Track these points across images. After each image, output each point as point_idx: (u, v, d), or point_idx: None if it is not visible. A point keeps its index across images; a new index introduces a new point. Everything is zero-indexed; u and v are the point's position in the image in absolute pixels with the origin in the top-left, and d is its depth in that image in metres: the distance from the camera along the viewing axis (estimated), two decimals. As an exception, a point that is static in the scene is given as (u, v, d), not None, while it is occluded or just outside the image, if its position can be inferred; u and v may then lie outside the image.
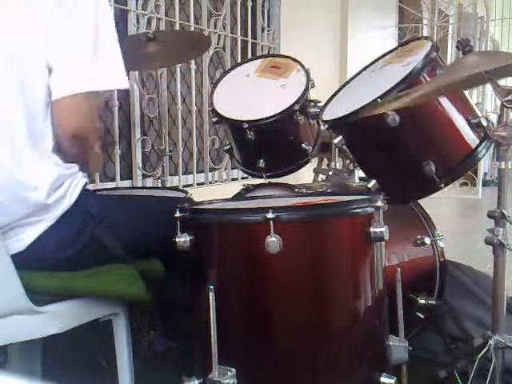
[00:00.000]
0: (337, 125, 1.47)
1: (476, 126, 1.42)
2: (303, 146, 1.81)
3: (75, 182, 1.18)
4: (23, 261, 1.11)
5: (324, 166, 2.42)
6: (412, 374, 1.25)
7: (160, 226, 1.26)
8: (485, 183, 5.97)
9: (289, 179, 1.86)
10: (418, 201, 1.75)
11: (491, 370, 1.33)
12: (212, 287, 1.04)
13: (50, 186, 1.13)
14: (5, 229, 1.11)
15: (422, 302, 1.63)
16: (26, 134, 1.11)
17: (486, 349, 1.35)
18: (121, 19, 2.76)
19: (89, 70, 1.11)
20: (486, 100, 6.06)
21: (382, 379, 1.12)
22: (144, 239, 1.28)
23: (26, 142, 1.11)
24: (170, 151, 2.70)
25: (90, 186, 1.30)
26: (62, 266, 1.18)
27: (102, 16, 1.13)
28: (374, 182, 1.49)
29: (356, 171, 1.87)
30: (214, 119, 1.81)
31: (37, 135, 1.13)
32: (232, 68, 2.02)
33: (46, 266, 1.16)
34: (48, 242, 1.15)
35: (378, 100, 1.34)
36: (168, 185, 2.80)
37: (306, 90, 1.76)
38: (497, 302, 1.39)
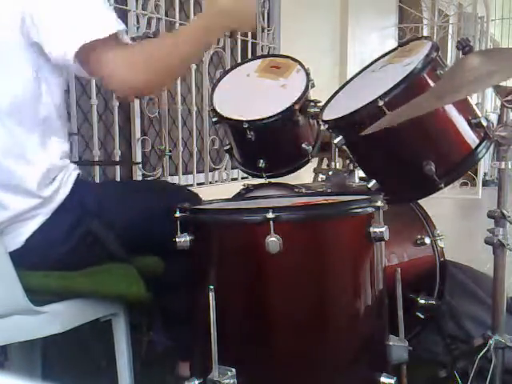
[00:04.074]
0: (337, 125, 1.47)
1: (476, 126, 1.42)
2: (303, 146, 1.81)
3: (68, 174, 1.19)
4: (21, 257, 1.12)
5: (324, 166, 2.42)
6: (412, 374, 1.25)
7: (159, 224, 1.26)
8: (485, 183, 5.97)
9: (289, 179, 1.86)
10: (418, 201, 1.75)
11: (491, 370, 1.33)
12: (212, 287, 1.04)
13: (42, 178, 1.13)
14: (4, 225, 1.12)
15: (422, 302, 1.63)
16: (18, 124, 1.12)
17: (485, 349, 1.35)
18: (121, 19, 2.76)
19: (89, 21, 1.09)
20: (486, 100, 6.06)
21: (382, 379, 1.11)
22: (142, 236, 1.27)
23: (18, 131, 1.12)
24: (170, 151, 2.70)
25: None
26: (60, 262, 1.18)
27: None
28: (373, 182, 1.49)
29: (356, 171, 1.87)
30: (214, 119, 1.81)
31: (27, 126, 1.13)
32: (232, 68, 2.02)
33: (45, 262, 1.16)
34: (45, 237, 1.15)
35: (379, 100, 1.34)
36: (168, 185, 2.79)
37: (306, 89, 1.75)
38: (497, 302, 1.39)
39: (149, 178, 3.00)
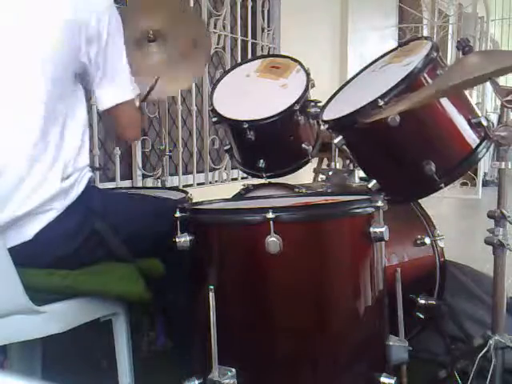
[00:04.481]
0: (337, 125, 1.47)
1: (476, 126, 1.42)
2: (303, 146, 1.81)
3: (82, 174, 1.21)
4: (27, 252, 1.12)
5: (324, 166, 2.42)
6: (412, 374, 1.25)
7: (160, 225, 1.27)
8: (485, 183, 5.96)
9: (289, 179, 1.86)
10: (418, 201, 1.75)
11: (491, 370, 1.33)
12: (212, 287, 1.04)
13: (62, 174, 1.16)
14: (23, 215, 1.13)
15: (422, 302, 1.63)
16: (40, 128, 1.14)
17: (486, 349, 1.35)
18: (121, 19, 2.75)
19: (126, 83, 1.28)
20: (486, 100, 6.05)
21: (382, 379, 1.12)
22: (145, 237, 1.28)
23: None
24: (170, 151, 2.70)
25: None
26: (64, 260, 1.18)
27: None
28: (374, 181, 1.49)
29: (356, 171, 1.87)
30: (214, 119, 1.81)
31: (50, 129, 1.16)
32: (232, 68, 2.02)
33: (49, 259, 1.17)
34: (52, 233, 1.16)
35: (379, 100, 1.34)
36: (168, 185, 2.80)
37: (306, 89, 1.76)
38: (497, 302, 1.39)
39: (149, 178, 3.01)
